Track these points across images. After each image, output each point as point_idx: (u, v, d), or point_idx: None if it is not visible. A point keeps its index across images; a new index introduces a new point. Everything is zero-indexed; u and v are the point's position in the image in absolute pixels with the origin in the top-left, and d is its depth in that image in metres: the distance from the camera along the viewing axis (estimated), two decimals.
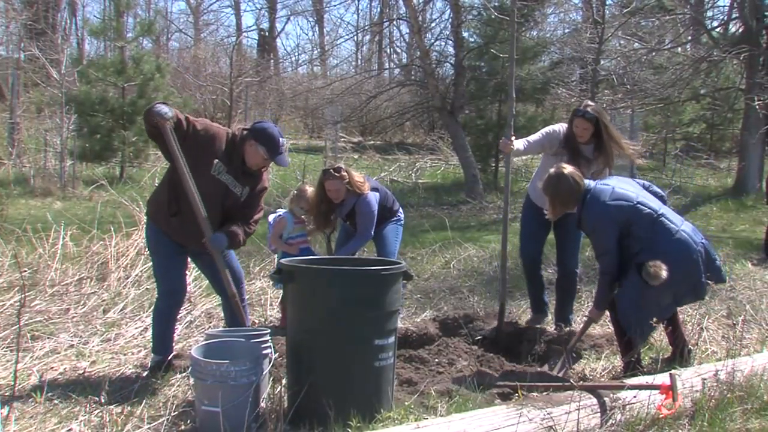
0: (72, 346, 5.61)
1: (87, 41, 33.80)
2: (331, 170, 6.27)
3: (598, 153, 5.97)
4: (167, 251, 5.05)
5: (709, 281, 4.98)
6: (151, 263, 7.48)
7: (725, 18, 20.46)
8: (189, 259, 5.32)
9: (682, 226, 4.92)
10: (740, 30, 16.37)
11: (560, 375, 5.02)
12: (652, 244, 4.82)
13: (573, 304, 6.46)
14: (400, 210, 6.86)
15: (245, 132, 4.98)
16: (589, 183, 5.08)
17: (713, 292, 7.06)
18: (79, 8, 37.60)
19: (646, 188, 5.26)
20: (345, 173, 6.24)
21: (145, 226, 5.18)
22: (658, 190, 5.36)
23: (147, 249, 5.48)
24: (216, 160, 4.89)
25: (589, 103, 6.25)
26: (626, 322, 4.93)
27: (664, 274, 4.68)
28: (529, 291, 6.54)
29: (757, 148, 15.13)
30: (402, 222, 6.85)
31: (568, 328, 6.11)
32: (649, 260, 4.73)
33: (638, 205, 4.90)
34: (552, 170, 5.17)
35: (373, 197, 6.38)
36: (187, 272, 5.37)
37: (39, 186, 14.93)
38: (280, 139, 4.97)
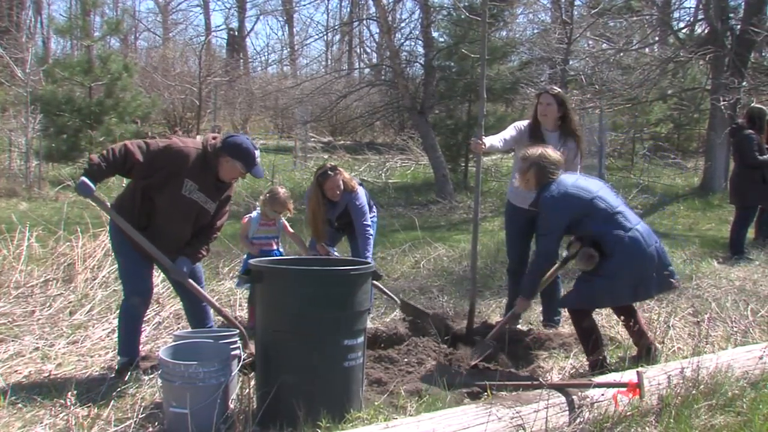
0: (37, 348, 5.53)
1: (53, 40, 33.47)
2: (328, 171, 6.41)
3: (566, 137, 6.12)
4: (132, 254, 5.00)
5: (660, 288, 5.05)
6: (116, 265, 7.46)
7: (691, 19, 20.75)
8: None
9: (637, 225, 4.98)
10: (706, 31, 16.57)
11: (473, 363, 5.18)
12: (603, 239, 4.90)
13: (558, 305, 6.48)
14: (374, 208, 6.95)
15: (218, 147, 4.93)
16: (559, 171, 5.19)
17: (679, 291, 7.14)
18: (45, 6, 37.22)
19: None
20: (341, 171, 6.47)
21: (110, 225, 5.12)
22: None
23: (111, 249, 5.43)
24: (186, 180, 4.87)
25: (555, 87, 6.43)
26: (563, 305, 5.21)
27: (594, 259, 4.88)
28: (509, 294, 6.56)
29: (723, 148, 15.30)
30: (376, 219, 6.96)
31: (553, 329, 6.15)
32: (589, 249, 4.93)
33: (596, 199, 4.97)
34: (538, 148, 5.29)
35: (362, 192, 6.60)
36: (154, 272, 5.33)
37: (4, 187, 14.73)
38: (255, 151, 4.96)
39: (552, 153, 5.26)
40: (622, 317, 5.27)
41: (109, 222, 5.18)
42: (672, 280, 5.04)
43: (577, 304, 5.07)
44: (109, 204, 4.97)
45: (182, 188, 4.86)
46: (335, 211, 6.59)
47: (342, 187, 6.44)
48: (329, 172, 6.40)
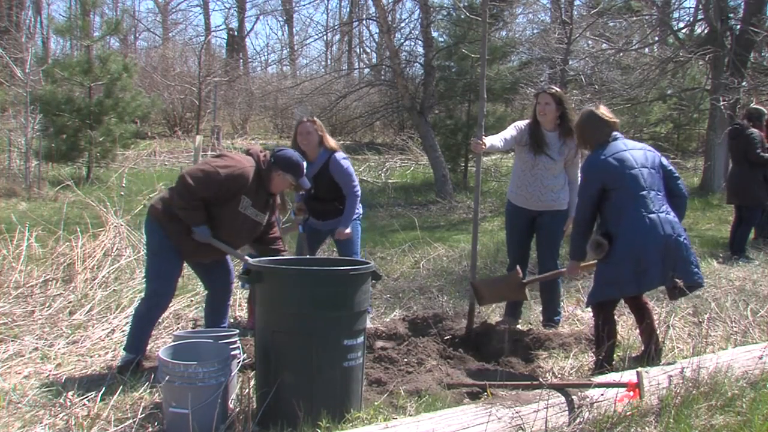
0: (37, 348, 5.52)
1: (52, 40, 33.44)
2: (305, 119, 6.48)
3: (565, 136, 6.11)
4: (168, 256, 5.13)
5: (678, 283, 4.88)
6: (115, 264, 7.48)
7: (691, 19, 20.76)
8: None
9: (652, 214, 4.80)
10: (705, 31, 16.58)
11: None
12: (619, 218, 4.86)
13: (559, 305, 6.50)
14: (360, 206, 6.80)
15: (271, 163, 5.17)
16: (615, 134, 5.10)
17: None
18: (44, 6, 37.21)
19: (670, 176, 5.10)
20: (319, 123, 6.45)
21: (149, 224, 5.18)
22: (681, 186, 5.16)
23: (146, 246, 5.45)
24: (243, 197, 5.05)
25: (553, 86, 6.42)
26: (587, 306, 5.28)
27: (604, 247, 4.85)
28: None
29: (723, 148, 15.30)
30: (361, 216, 6.75)
31: (552, 329, 6.15)
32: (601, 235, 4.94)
33: (627, 176, 4.86)
34: (591, 106, 5.32)
35: (344, 156, 6.43)
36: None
37: (3, 187, 14.69)
38: (303, 162, 5.29)
39: (605, 112, 5.17)
40: (635, 316, 5.28)
41: (145, 222, 5.24)
42: (690, 273, 4.87)
43: (592, 299, 5.07)
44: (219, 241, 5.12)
45: (239, 205, 5.06)
46: (312, 168, 6.24)
47: (315, 138, 6.31)
48: (304, 119, 6.42)
